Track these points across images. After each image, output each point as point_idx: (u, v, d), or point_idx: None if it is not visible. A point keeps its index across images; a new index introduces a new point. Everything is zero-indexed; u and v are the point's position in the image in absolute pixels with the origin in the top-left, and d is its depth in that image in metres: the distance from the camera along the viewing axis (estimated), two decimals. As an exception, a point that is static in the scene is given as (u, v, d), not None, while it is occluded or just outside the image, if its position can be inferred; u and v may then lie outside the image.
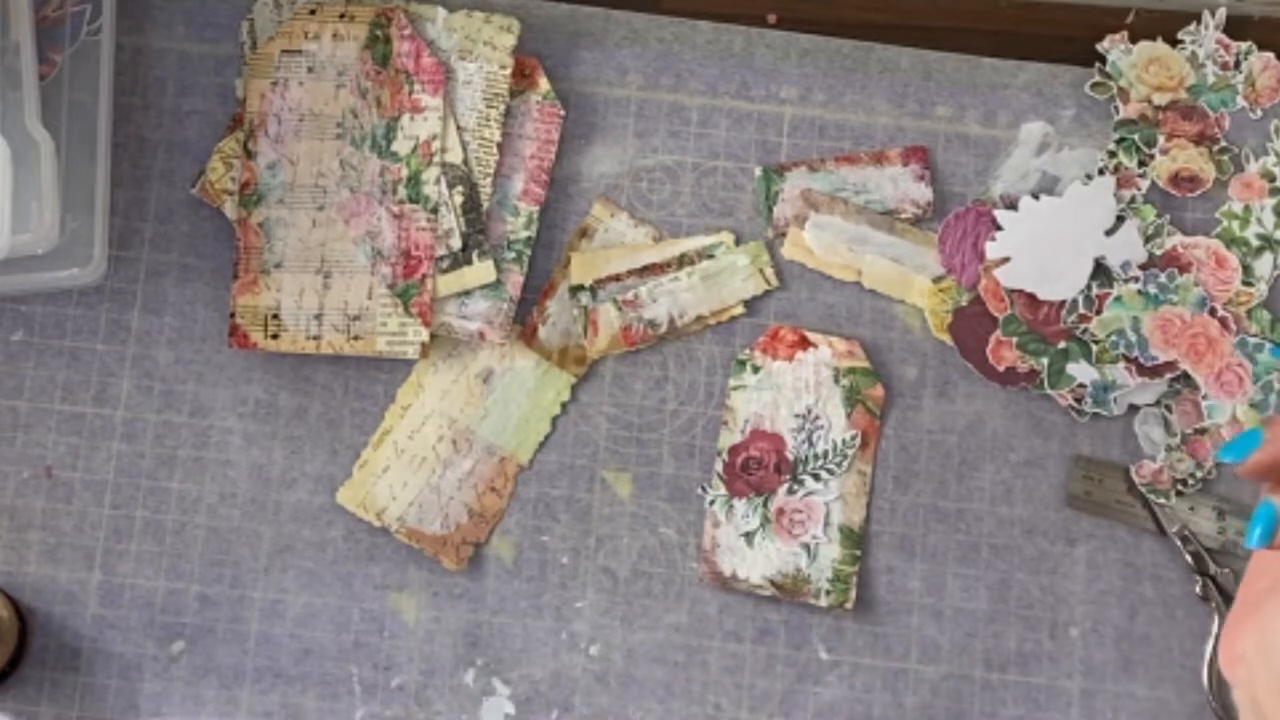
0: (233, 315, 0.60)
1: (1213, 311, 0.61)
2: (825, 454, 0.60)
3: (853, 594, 0.60)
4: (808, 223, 0.62)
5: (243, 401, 0.61)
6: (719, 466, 0.61)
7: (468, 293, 0.61)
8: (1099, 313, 0.61)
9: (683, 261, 0.62)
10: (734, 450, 0.61)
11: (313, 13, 0.62)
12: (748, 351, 0.61)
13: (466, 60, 0.62)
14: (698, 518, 0.60)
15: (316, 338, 0.60)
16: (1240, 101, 0.64)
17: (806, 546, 0.60)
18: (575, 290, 0.62)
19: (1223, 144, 0.63)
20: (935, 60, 0.64)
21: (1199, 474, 0.60)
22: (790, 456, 0.60)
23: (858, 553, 0.60)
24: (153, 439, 0.61)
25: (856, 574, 0.60)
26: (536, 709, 0.59)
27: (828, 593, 0.59)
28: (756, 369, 0.61)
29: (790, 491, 0.60)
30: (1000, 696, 0.60)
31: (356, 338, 0.60)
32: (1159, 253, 0.62)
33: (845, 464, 0.60)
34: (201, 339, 0.61)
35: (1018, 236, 0.62)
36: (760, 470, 0.60)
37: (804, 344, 0.61)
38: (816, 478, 0.60)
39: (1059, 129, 0.64)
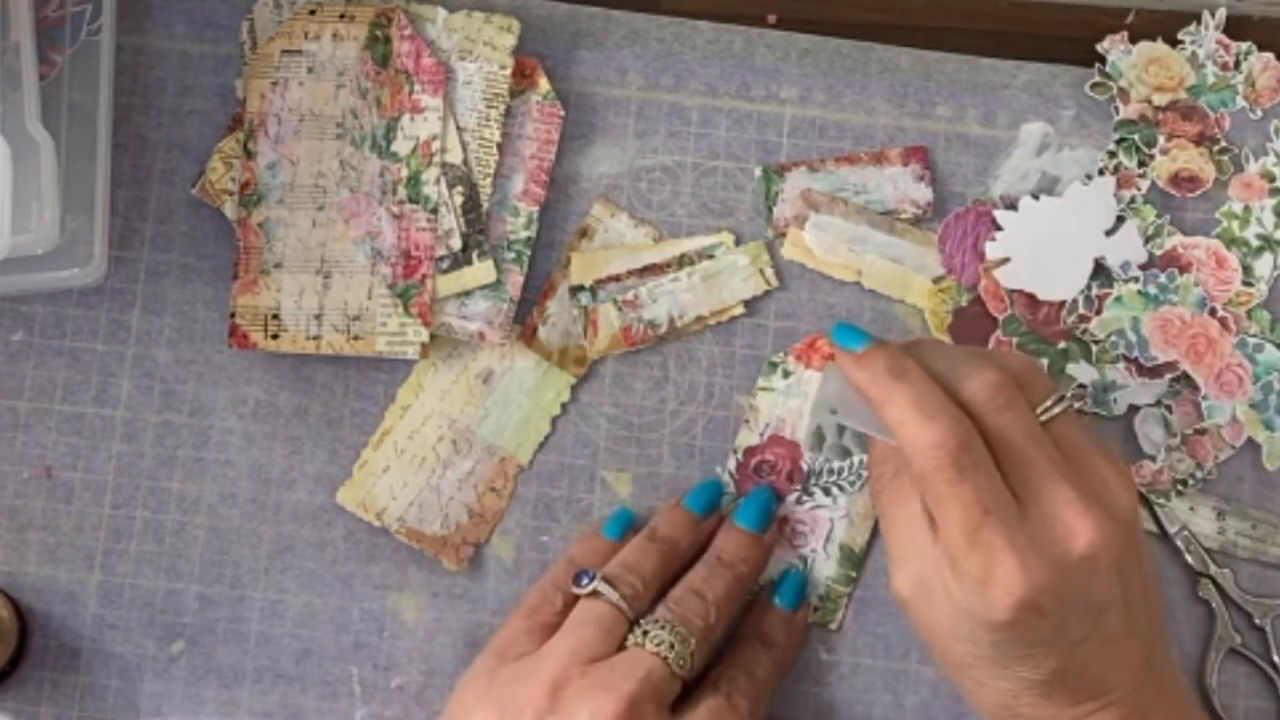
0: (233, 315, 0.60)
1: (1213, 311, 0.61)
2: (840, 470, 0.60)
3: (840, 616, 0.59)
4: (808, 223, 0.62)
5: (243, 401, 0.61)
6: (732, 464, 0.60)
7: (468, 293, 0.61)
8: (1099, 313, 0.61)
9: (683, 261, 0.62)
10: (750, 451, 0.60)
11: (313, 13, 0.62)
12: (781, 355, 0.61)
13: (466, 60, 0.62)
14: (698, 518, 0.60)
15: (316, 338, 0.60)
16: (1240, 101, 0.64)
17: (803, 558, 0.60)
18: (575, 290, 0.62)
19: (1223, 144, 0.63)
20: (935, 60, 0.64)
21: (1199, 474, 0.60)
22: (805, 466, 0.60)
23: (854, 574, 0.60)
24: (153, 439, 0.61)
25: (848, 596, 0.60)
26: (536, 709, 0.59)
27: (815, 609, 0.59)
28: (787, 374, 0.61)
29: (799, 502, 0.60)
30: (1000, 696, 0.60)
31: (356, 338, 0.60)
32: (1159, 253, 0.62)
33: (859, 484, 0.60)
34: (201, 339, 0.61)
35: (1018, 237, 0.62)
36: (772, 475, 0.60)
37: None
38: (827, 492, 0.60)
39: (1059, 129, 0.64)
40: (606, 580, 0.54)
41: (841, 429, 0.60)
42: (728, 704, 0.53)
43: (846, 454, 0.60)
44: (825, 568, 0.60)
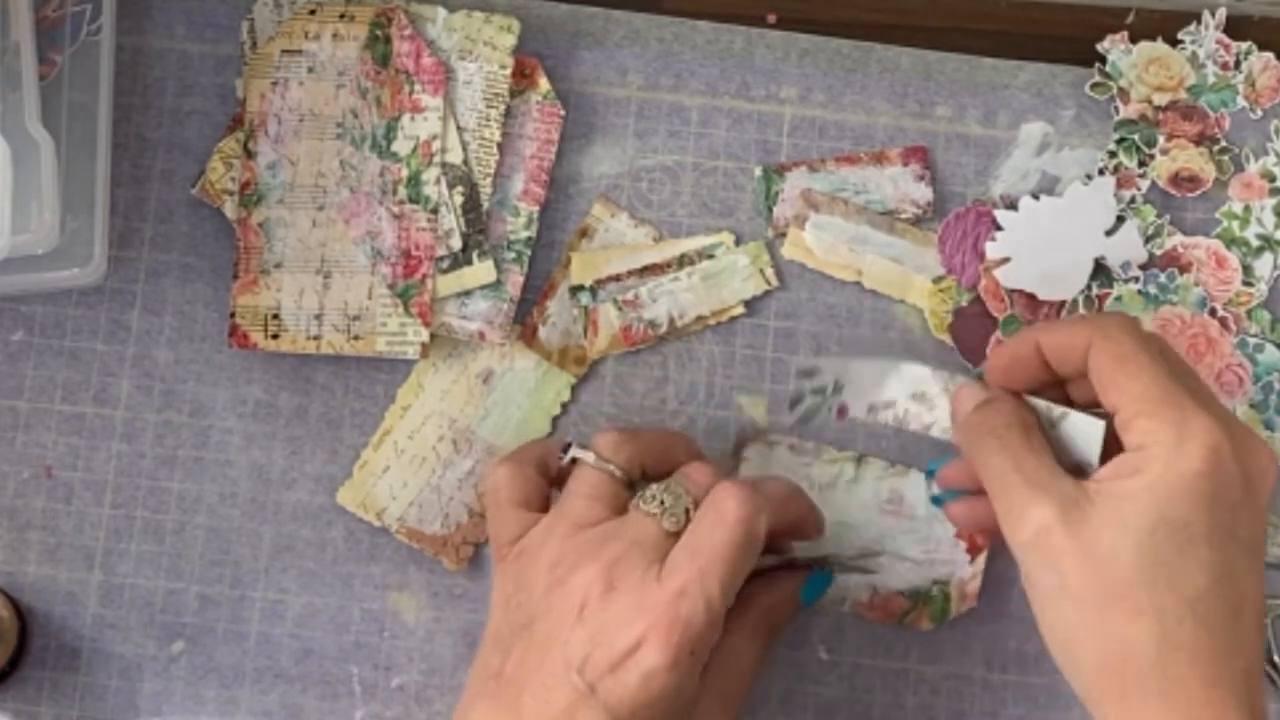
0: (233, 315, 0.60)
1: (1213, 312, 0.61)
2: None
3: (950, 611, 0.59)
4: (808, 223, 0.62)
5: (243, 401, 0.61)
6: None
7: (468, 293, 0.61)
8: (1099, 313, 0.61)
9: (683, 261, 0.62)
10: None
11: (313, 13, 0.62)
12: None
13: (466, 60, 0.62)
14: (698, 518, 0.60)
15: (316, 338, 0.60)
16: (1240, 101, 0.64)
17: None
18: (575, 290, 0.62)
19: (1223, 144, 0.63)
20: (935, 60, 0.64)
21: (1199, 474, 0.60)
22: None
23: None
24: (153, 439, 0.61)
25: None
26: (536, 709, 0.59)
27: (913, 609, 0.60)
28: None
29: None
30: (1000, 696, 0.60)
31: (356, 338, 0.60)
32: (1159, 253, 0.62)
33: None
34: (201, 339, 0.61)
35: (1018, 236, 0.62)
36: None
37: None
38: None
39: (1059, 129, 0.64)
40: (585, 445, 0.54)
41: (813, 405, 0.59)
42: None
43: (812, 411, 0.59)
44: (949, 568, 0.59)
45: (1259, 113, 0.64)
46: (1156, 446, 0.48)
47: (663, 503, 0.51)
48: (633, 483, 0.53)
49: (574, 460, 0.54)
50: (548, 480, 0.55)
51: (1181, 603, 0.48)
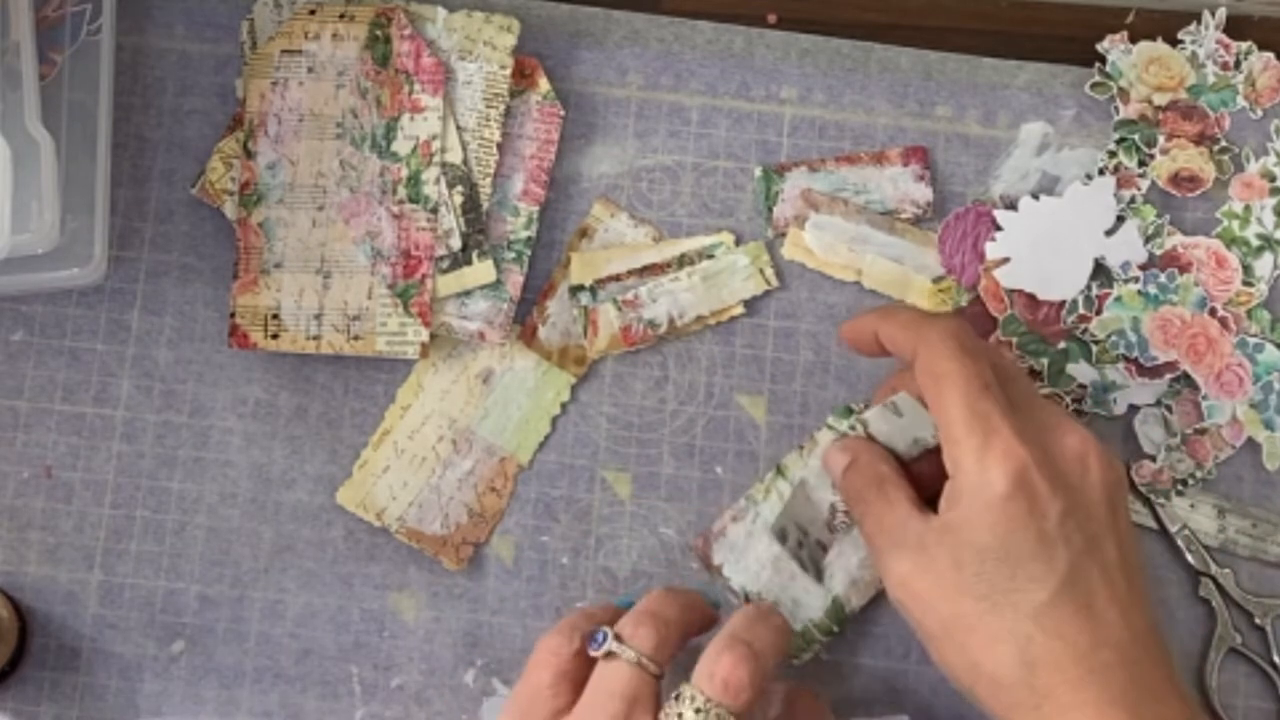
0: (233, 315, 0.60)
1: (1213, 311, 0.61)
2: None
3: (807, 656, 0.58)
4: (808, 223, 0.62)
5: (243, 401, 0.61)
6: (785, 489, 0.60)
7: (468, 293, 0.61)
8: (1099, 313, 0.61)
9: (683, 261, 0.62)
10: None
11: (313, 13, 0.62)
12: (860, 404, 0.61)
13: (466, 60, 0.62)
14: (698, 518, 0.60)
15: (316, 338, 0.60)
16: (1240, 101, 0.64)
17: (794, 598, 0.58)
18: (575, 290, 0.62)
19: (1223, 144, 0.63)
20: (935, 60, 0.64)
21: (1199, 474, 0.60)
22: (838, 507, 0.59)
23: (835, 629, 0.58)
24: (153, 439, 0.61)
25: (822, 646, 0.58)
26: (536, 709, 0.59)
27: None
28: (854, 427, 0.57)
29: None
30: (1000, 696, 0.60)
31: (356, 338, 0.60)
32: (1159, 253, 0.62)
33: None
34: (201, 339, 0.61)
35: (1018, 237, 0.62)
36: None
37: None
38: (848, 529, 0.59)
39: (1059, 129, 0.64)
40: (621, 638, 0.50)
41: (802, 534, 0.59)
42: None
43: (801, 564, 0.58)
44: (811, 608, 0.58)
45: (1259, 113, 0.64)
46: (963, 475, 0.50)
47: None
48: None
49: (610, 653, 0.50)
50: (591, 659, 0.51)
51: (1026, 620, 0.49)
